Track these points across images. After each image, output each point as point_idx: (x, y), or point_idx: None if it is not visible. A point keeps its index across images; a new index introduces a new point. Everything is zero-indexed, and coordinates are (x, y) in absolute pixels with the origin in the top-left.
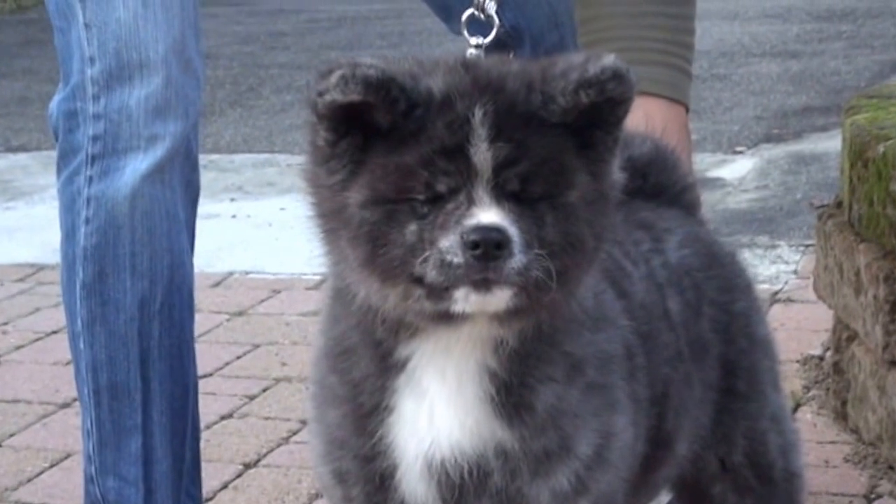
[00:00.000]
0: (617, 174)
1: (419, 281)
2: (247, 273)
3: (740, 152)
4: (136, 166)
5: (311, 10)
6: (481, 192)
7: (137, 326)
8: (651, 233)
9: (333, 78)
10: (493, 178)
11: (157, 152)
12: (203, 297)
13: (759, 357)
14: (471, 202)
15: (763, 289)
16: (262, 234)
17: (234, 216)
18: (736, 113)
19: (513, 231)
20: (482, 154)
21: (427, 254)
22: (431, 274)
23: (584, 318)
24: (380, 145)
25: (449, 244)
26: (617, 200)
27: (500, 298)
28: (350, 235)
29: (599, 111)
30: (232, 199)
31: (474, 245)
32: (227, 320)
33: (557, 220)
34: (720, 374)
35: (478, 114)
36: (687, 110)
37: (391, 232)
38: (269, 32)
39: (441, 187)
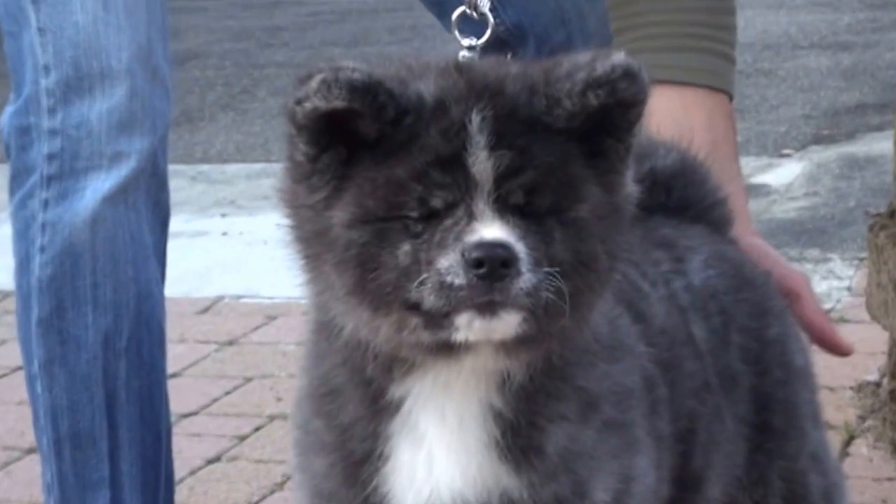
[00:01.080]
0: (631, 186)
1: (415, 308)
2: (238, 297)
3: (787, 155)
4: (98, 187)
5: (311, 3)
6: (482, 206)
7: (102, 366)
8: (672, 252)
9: (314, 83)
10: (495, 189)
11: (122, 171)
12: (189, 325)
13: (796, 389)
14: (471, 217)
15: None
16: (255, 254)
17: (224, 233)
18: (782, 112)
19: (519, 247)
20: (481, 163)
21: (424, 276)
22: (429, 298)
23: (598, 347)
24: (366, 158)
25: (448, 264)
26: (632, 215)
27: (508, 324)
28: (335, 260)
29: (609, 115)
30: (223, 215)
31: (477, 263)
32: (216, 350)
33: (567, 237)
34: (753, 409)
35: (475, 119)
36: (731, 99)
37: (382, 254)
38: (264, 28)
39: (437, 202)
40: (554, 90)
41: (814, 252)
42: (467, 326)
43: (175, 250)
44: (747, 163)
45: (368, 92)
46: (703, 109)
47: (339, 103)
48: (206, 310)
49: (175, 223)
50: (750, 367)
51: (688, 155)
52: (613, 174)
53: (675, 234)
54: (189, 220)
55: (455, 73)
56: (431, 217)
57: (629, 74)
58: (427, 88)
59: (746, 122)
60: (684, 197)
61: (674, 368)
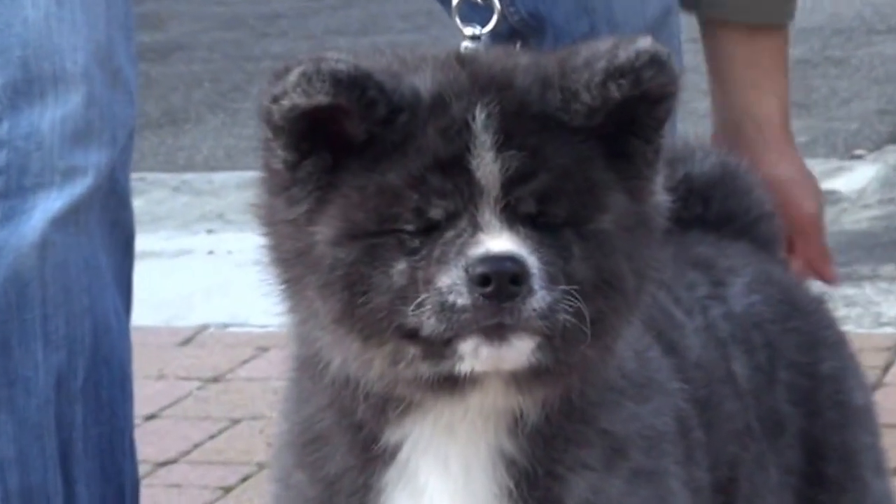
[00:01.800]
0: (661, 195)
1: (413, 336)
2: (225, 326)
3: (860, 157)
4: (48, 207)
5: None
6: (488, 215)
7: (54, 412)
8: (710, 274)
9: (292, 77)
10: (503, 196)
11: (76, 189)
12: (168, 359)
13: (854, 433)
14: (475, 228)
15: (887, 334)
16: (245, 276)
17: (210, 252)
18: (855, 107)
19: (532, 262)
20: (487, 167)
21: (422, 297)
22: (429, 323)
23: (624, 384)
24: (354, 164)
25: (450, 282)
26: (663, 229)
27: (520, 351)
28: (320, 282)
29: (634, 112)
30: (209, 231)
31: (483, 280)
32: (199, 388)
33: (587, 252)
34: (804, 456)
35: (479, 116)
36: (783, 29)
37: (373, 274)
38: (259, 14)
39: (436, 212)
40: (570, 82)
41: (888, 269)
42: (473, 354)
43: (153, 272)
44: (813, 166)
45: (355, 86)
46: (745, 55)
47: (321, 99)
48: (187, 341)
49: (154, 241)
50: (800, 408)
51: (729, 160)
52: (640, 180)
53: (714, 252)
54: (170, 238)
55: (456, 65)
56: (430, 230)
57: (656, 62)
58: (424, 82)
59: (813, 118)
60: (725, 209)
61: (712, 409)
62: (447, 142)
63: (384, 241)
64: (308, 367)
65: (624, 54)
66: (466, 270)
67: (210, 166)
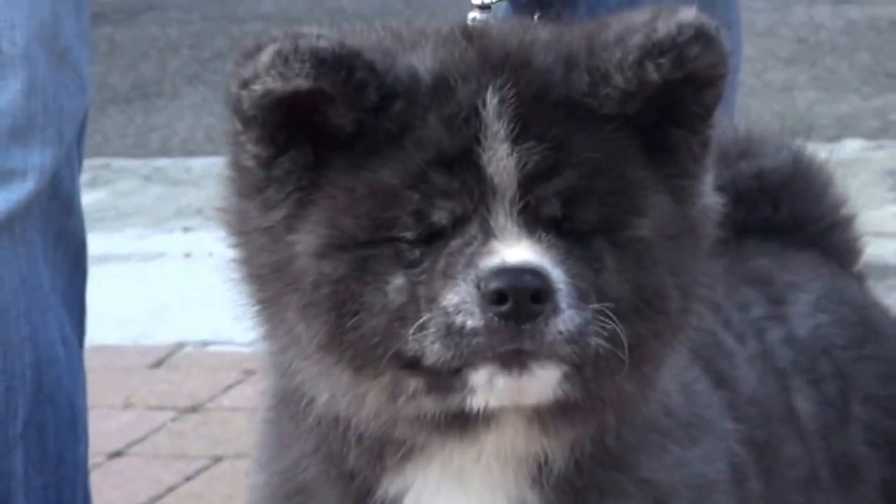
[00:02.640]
0: (710, 196)
1: (413, 365)
2: (205, 345)
3: None
4: None
5: None
6: (503, 219)
7: None
8: (768, 290)
9: (266, 56)
10: (521, 196)
11: (12, 195)
12: (137, 385)
13: None
14: (488, 234)
15: None
16: (229, 285)
17: (187, 255)
18: None
19: (556, 274)
20: (501, 161)
21: (424, 319)
22: (433, 350)
23: (669, 423)
24: (340, 160)
25: (458, 299)
26: (712, 237)
27: (544, 382)
28: (302, 302)
29: (678, 97)
30: (186, 229)
31: (498, 297)
32: (173, 420)
33: (623, 264)
34: None
35: (491, 102)
36: None
37: (366, 291)
38: None
39: (440, 216)
40: (600, 61)
41: None
42: (487, 387)
43: (119, 280)
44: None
45: (341, 66)
46: None
47: (301, 83)
48: (160, 363)
49: (120, 242)
50: (880, 452)
51: (803, 155)
52: (686, 178)
53: (774, 265)
54: (139, 238)
55: (462, 41)
56: (433, 238)
57: (702, 37)
58: (423, 61)
59: None
60: (795, 213)
61: (770, 453)
62: (452, 132)
63: (378, 252)
64: (289, 404)
65: (664, 28)
66: (478, 286)
67: (188, 150)
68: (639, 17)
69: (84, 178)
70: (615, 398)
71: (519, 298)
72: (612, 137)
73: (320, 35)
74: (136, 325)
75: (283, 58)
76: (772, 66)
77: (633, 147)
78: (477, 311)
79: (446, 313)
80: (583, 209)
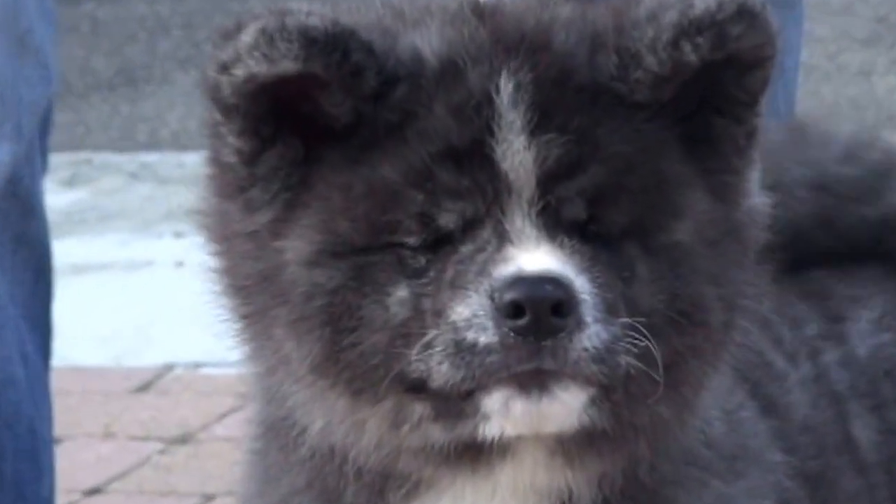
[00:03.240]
0: (758, 195)
1: (419, 388)
2: (197, 366)
3: None
4: None
5: None
6: (519, 222)
7: None
8: (825, 306)
9: (248, 36)
10: (540, 196)
11: None
12: (119, 411)
13: None
14: (502, 239)
15: None
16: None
17: (179, 264)
18: None
19: (581, 284)
20: (517, 155)
21: (430, 335)
22: (441, 370)
23: (710, 455)
24: (335, 155)
25: (469, 313)
26: (759, 242)
27: (567, 406)
28: (292, 317)
29: (719, 81)
30: (176, 234)
31: (515, 310)
32: (160, 452)
33: (657, 272)
34: None
35: (505, 87)
36: None
37: (364, 304)
38: None
39: (448, 219)
40: (630, 41)
41: None
42: (503, 412)
43: (100, 293)
44: None
45: (335, 48)
46: None
47: (288, 66)
48: (145, 387)
49: (102, 248)
50: None
51: (857, 146)
52: (729, 174)
53: (832, 277)
54: (125, 243)
55: (473, 19)
56: (440, 243)
57: (746, 13)
58: (428, 42)
59: None
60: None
61: (825, 487)
62: (462, 122)
63: (378, 260)
64: (278, 433)
65: (702, 3)
66: (492, 297)
67: (180, 144)
68: None
69: (62, 175)
70: (649, 425)
71: (538, 311)
72: (644, 128)
73: (311, 12)
74: (118, 344)
75: (267, 37)
76: (847, 47)
77: (668, 139)
78: (491, 325)
79: (456, 329)
80: (611, 210)
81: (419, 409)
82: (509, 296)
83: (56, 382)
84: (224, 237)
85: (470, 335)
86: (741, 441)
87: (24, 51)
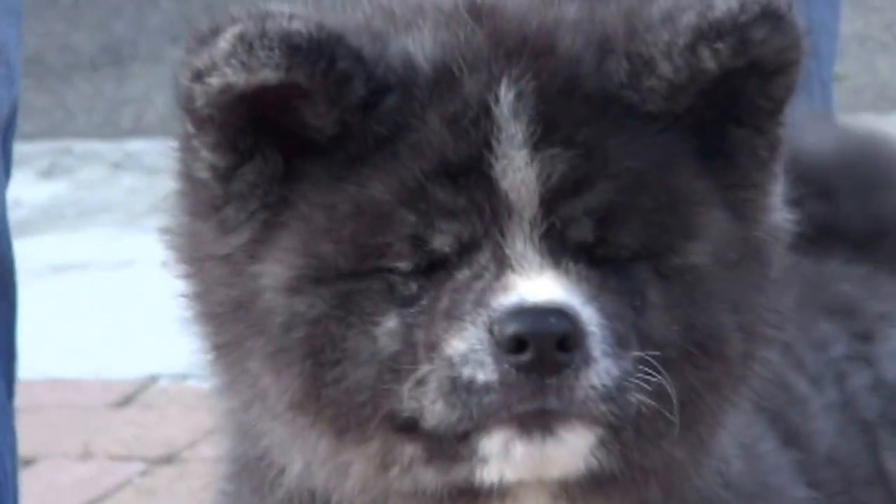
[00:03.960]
0: (781, 211)
1: (410, 428)
2: (184, 378)
3: None
4: None
5: None
6: (521, 246)
7: None
8: (853, 324)
9: (224, 42)
10: (544, 216)
11: None
12: (98, 428)
13: None
14: (502, 265)
15: None
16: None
17: (166, 263)
18: None
19: (588, 315)
20: (518, 173)
21: (423, 371)
22: (434, 409)
23: (728, 495)
24: (318, 170)
25: (466, 347)
26: (783, 263)
27: (573, 449)
28: (269, 349)
29: (740, 89)
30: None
31: (517, 344)
32: (142, 473)
33: (671, 299)
34: None
35: (505, 97)
36: None
37: (350, 335)
38: None
39: (442, 241)
40: (642, 46)
41: None
42: (502, 455)
43: (79, 295)
44: None
45: (319, 54)
46: None
47: (269, 75)
48: (127, 400)
49: (82, 245)
50: None
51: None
52: (750, 190)
53: (861, 293)
54: (108, 240)
55: (469, 21)
56: (434, 268)
57: (770, 16)
58: (421, 47)
59: None
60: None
61: None
62: (458, 135)
63: (365, 287)
64: (252, 474)
65: (723, 5)
66: (491, 330)
67: (168, 130)
68: None
69: (39, 165)
70: (661, 467)
71: (542, 346)
72: (657, 141)
73: (294, 15)
74: (98, 353)
75: (246, 44)
76: None
77: (683, 152)
78: (490, 361)
79: (451, 364)
80: (621, 231)
81: (410, 450)
82: (510, 329)
83: (30, 397)
84: (195, 259)
85: (467, 371)
86: (761, 478)
87: None
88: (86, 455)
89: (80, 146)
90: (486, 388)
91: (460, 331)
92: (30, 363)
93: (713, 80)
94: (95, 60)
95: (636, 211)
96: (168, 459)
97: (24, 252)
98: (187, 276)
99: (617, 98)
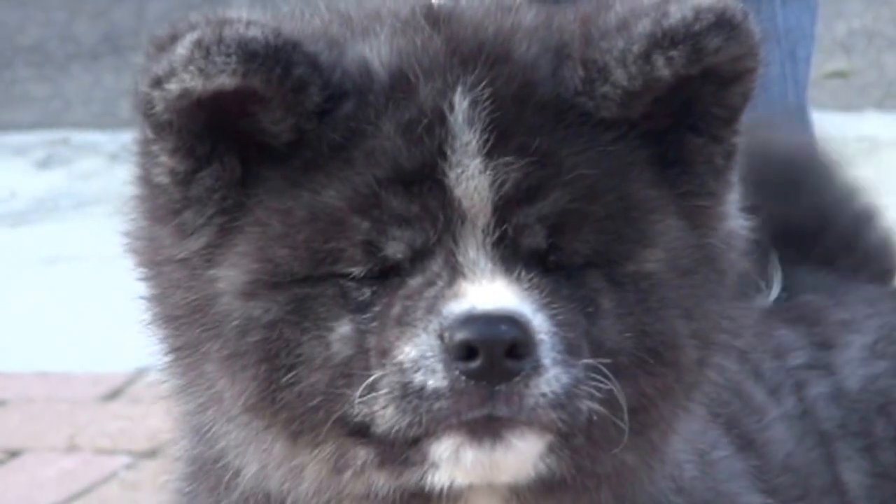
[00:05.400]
0: (736, 219)
1: (362, 433)
2: None
3: None
4: None
5: None
6: (473, 253)
7: None
8: (813, 332)
9: (182, 48)
10: (497, 224)
11: None
12: (85, 422)
13: None
14: (454, 272)
15: None
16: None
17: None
18: None
19: (540, 322)
20: (472, 180)
21: (374, 376)
22: (385, 415)
23: (680, 502)
24: (274, 176)
25: (417, 354)
26: (737, 270)
27: (523, 455)
28: (224, 353)
29: (695, 97)
30: None
31: (467, 351)
32: (127, 467)
33: (624, 306)
34: None
35: (460, 104)
36: None
37: (304, 340)
38: None
39: (395, 249)
40: (597, 52)
41: None
42: (452, 461)
43: (71, 287)
44: None
45: (276, 61)
46: None
47: (226, 81)
48: (115, 394)
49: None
50: None
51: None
52: (705, 198)
53: (825, 301)
54: (104, 232)
55: (427, 27)
56: (387, 274)
57: (725, 24)
58: (378, 53)
59: None
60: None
61: None
62: (412, 143)
63: (319, 292)
64: (208, 475)
65: (678, 12)
66: (441, 337)
67: None
68: None
69: (36, 156)
70: (613, 473)
71: (492, 353)
72: (612, 148)
73: (251, 22)
74: (86, 346)
75: (203, 50)
76: None
77: (639, 160)
78: (440, 368)
79: (402, 370)
80: (574, 238)
81: (362, 454)
82: (460, 336)
83: (18, 389)
84: (154, 263)
85: (417, 378)
86: (715, 485)
87: None
88: (71, 448)
89: (77, 137)
90: (436, 394)
91: (412, 337)
92: (19, 356)
93: (670, 87)
94: (95, 50)
95: (589, 218)
96: (153, 453)
97: (19, 243)
98: (146, 279)
99: (572, 105)
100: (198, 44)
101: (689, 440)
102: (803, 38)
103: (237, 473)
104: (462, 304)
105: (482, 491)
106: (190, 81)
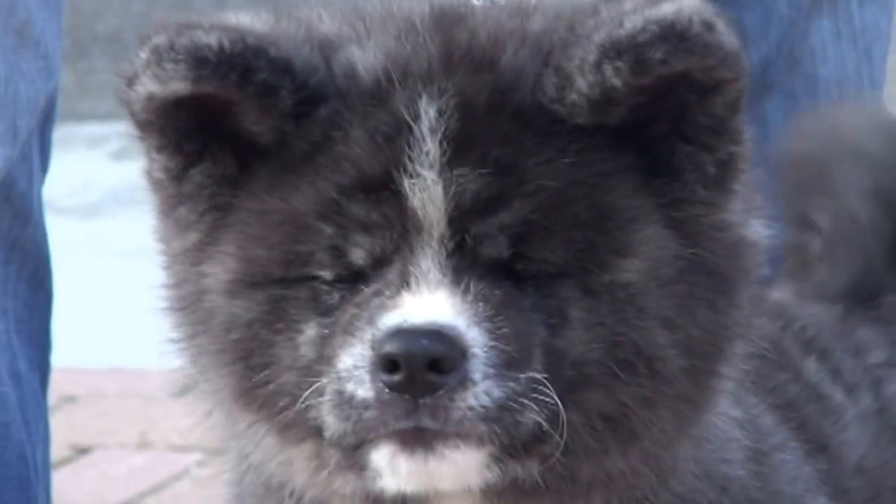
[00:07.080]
0: (752, 227)
1: (322, 435)
2: None
3: None
4: None
5: None
6: (425, 263)
7: None
8: (893, 330)
9: (143, 53)
10: (453, 233)
11: None
12: (157, 418)
13: None
14: (403, 281)
15: None
16: None
17: None
18: None
19: (473, 336)
20: (427, 190)
21: (320, 382)
22: (328, 421)
23: (723, 502)
24: (259, 176)
25: (351, 362)
26: (752, 278)
27: (460, 466)
28: (212, 347)
29: (685, 106)
30: None
31: (390, 364)
32: (199, 464)
33: (596, 317)
34: None
35: (426, 112)
36: None
37: (276, 341)
38: None
39: (357, 255)
40: (563, 60)
41: None
42: (390, 469)
43: (143, 281)
44: None
45: (231, 67)
46: None
47: (179, 87)
48: (188, 390)
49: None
50: None
51: None
52: (695, 207)
53: None
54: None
55: (427, 31)
56: (356, 279)
57: (672, 35)
58: (367, 56)
59: None
60: None
61: None
62: (376, 150)
63: (294, 294)
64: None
65: (630, 23)
66: (373, 348)
67: None
68: (631, 2)
69: (111, 148)
70: (600, 480)
71: (412, 367)
72: (589, 156)
73: (213, 27)
74: (160, 342)
75: (157, 56)
76: None
77: (618, 167)
78: (367, 378)
79: (339, 378)
80: (541, 247)
81: (334, 455)
82: (385, 349)
83: (89, 384)
84: (166, 254)
85: (349, 387)
86: (773, 486)
87: (22, 43)
88: (142, 445)
89: (94, 131)
90: (364, 404)
91: (349, 347)
92: (92, 352)
93: (654, 94)
94: (106, 48)
95: (557, 227)
96: (225, 450)
97: (91, 235)
98: (164, 269)
99: (548, 112)
100: (154, 50)
101: (725, 440)
102: (879, 37)
103: (246, 458)
104: (395, 317)
105: (454, 495)
106: (151, 86)
